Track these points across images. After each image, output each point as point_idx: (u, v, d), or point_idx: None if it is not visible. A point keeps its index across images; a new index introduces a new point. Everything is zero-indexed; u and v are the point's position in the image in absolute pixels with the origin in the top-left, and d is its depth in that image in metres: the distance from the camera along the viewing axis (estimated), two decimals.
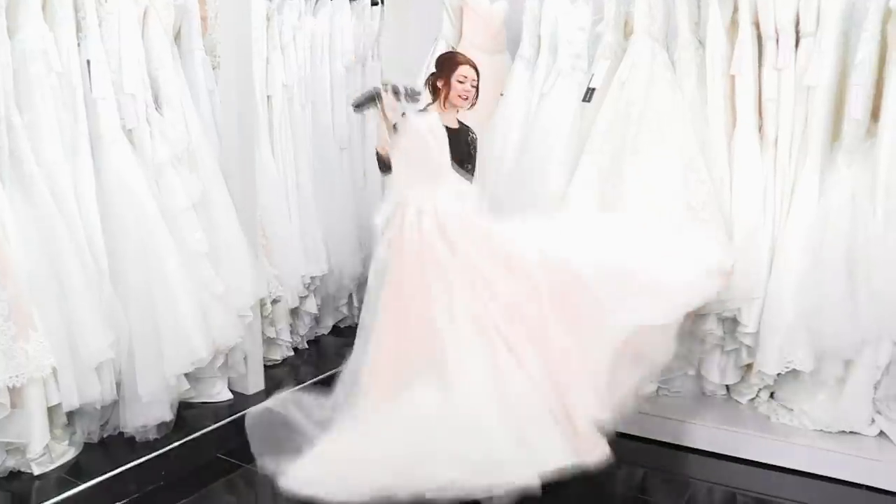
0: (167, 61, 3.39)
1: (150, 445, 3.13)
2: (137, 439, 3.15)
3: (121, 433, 3.19)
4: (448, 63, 3.20)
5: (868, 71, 3.12)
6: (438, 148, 3.02)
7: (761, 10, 3.33)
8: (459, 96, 3.15)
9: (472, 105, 3.22)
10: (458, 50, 3.94)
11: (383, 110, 3.04)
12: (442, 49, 4.04)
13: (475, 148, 3.22)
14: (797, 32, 3.31)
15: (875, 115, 3.16)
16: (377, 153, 3.14)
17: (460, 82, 3.14)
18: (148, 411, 3.14)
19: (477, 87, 3.19)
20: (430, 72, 3.26)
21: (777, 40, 3.33)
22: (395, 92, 3.02)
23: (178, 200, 3.30)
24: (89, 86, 3.10)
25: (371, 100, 3.06)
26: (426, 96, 3.15)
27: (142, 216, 3.14)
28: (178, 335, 3.13)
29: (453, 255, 2.90)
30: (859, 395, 3.13)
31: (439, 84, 3.18)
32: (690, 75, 3.50)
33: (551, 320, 2.79)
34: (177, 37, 3.58)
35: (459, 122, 3.22)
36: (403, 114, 3.02)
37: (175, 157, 3.35)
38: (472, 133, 3.25)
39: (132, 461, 3.01)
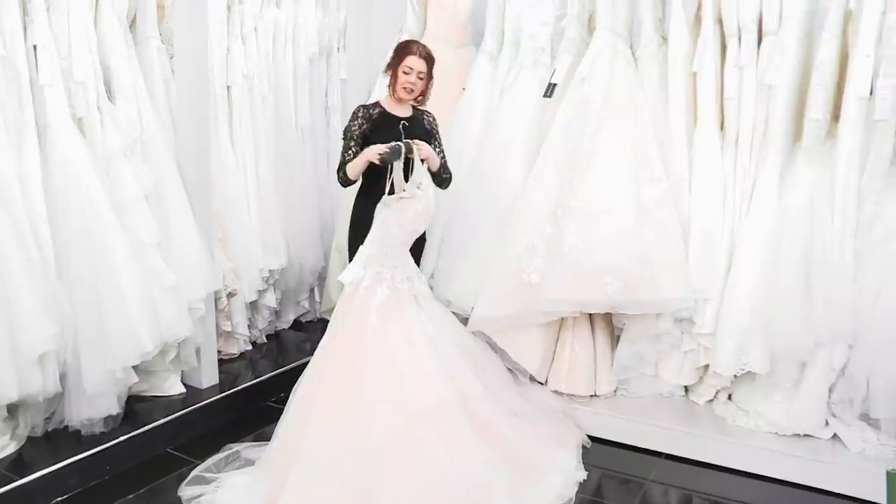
0: (120, 49, 3.33)
1: (96, 439, 3.08)
2: (83, 433, 3.10)
3: (66, 427, 3.13)
4: (400, 52, 3.13)
5: (829, 71, 3.11)
6: (425, 223, 3.05)
7: (725, 8, 3.31)
8: (403, 88, 3.08)
9: (420, 99, 3.17)
10: (423, 42, 3.89)
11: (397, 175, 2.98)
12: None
13: (436, 129, 3.21)
14: (760, 31, 3.29)
15: (836, 115, 3.14)
16: (345, 172, 3.09)
17: (405, 73, 3.08)
18: (94, 404, 3.08)
19: (426, 80, 3.12)
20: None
21: (739, 38, 3.31)
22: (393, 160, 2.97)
23: (128, 191, 3.24)
24: (36, 72, 3.02)
25: (397, 156, 2.97)
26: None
27: (90, 206, 3.08)
28: (125, 327, 3.08)
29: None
30: (814, 397, 3.11)
31: (389, 72, 3.13)
32: (652, 72, 3.49)
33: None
34: (132, 24, 3.51)
35: (414, 109, 3.18)
36: (405, 188, 2.98)
37: (127, 146, 3.29)
38: (428, 115, 3.22)
39: (76, 455, 2.95)
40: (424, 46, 3.15)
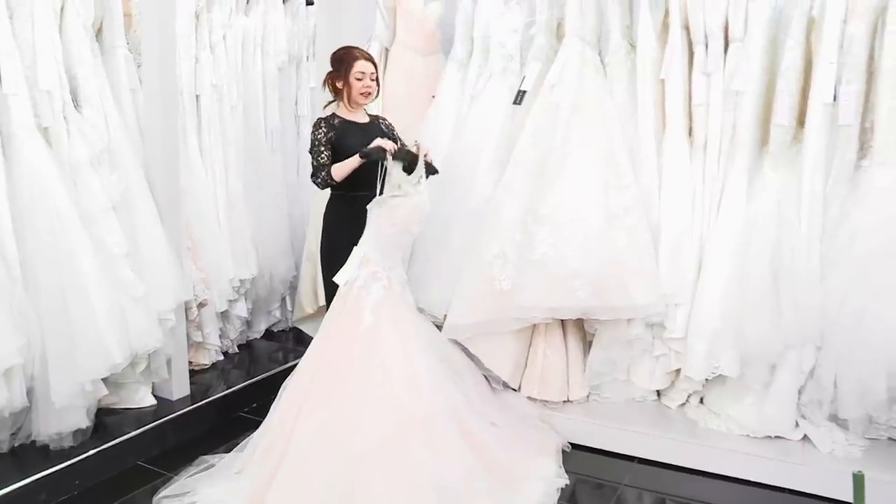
0: (87, 58, 3.29)
1: (64, 453, 3.03)
2: (51, 447, 3.05)
3: (34, 441, 3.07)
4: (344, 60, 3.18)
5: (794, 78, 3.16)
6: (419, 223, 3.05)
7: (691, 15, 3.36)
8: (361, 94, 3.16)
9: (375, 98, 3.24)
10: (392, 51, 3.90)
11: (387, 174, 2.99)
12: (376, 50, 3.99)
13: (394, 131, 3.28)
14: (726, 38, 3.33)
15: (801, 121, 3.19)
16: (329, 176, 3.09)
17: (358, 79, 3.15)
18: (62, 418, 3.03)
19: (377, 79, 3.19)
20: (328, 70, 3.23)
21: (706, 45, 3.36)
22: (401, 160, 3.00)
23: (96, 201, 3.21)
24: None
25: (381, 157, 2.99)
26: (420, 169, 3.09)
27: (56, 217, 3.03)
28: (93, 339, 3.03)
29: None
30: (784, 399, 3.14)
31: (339, 84, 3.18)
32: (621, 79, 3.51)
33: None
34: (98, 33, 3.48)
35: (368, 115, 3.24)
36: (400, 186, 2.99)
37: (94, 156, 3.25)
38: (383, 119, 3.28)
39: (44, 470, 2.89)
40: (362, 49, 3.25)
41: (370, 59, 3.19)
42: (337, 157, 3.12)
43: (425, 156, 3.06)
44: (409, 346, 2.90)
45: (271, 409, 2.97)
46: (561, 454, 3.22)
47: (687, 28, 3.39)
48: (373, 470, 2.61)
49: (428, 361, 2.95)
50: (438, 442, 2.74)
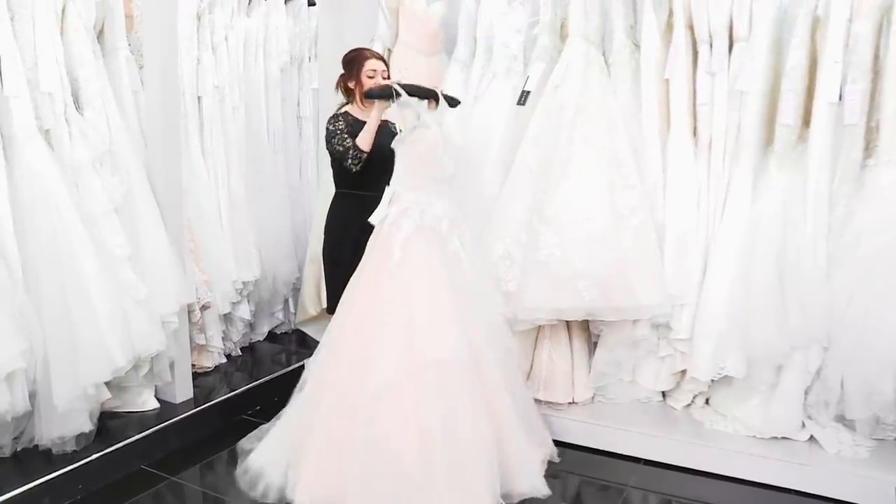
0: (88, 59, 3.27)
1: (67, 458, 3.01)
2: (54, 452, 3.02)
3: (36, 446, 3.05)
4: (355, 61, 3.21)
5: (799, 77, 3.14)
6: (449, 155, 2.97)
7: (695, 15, 3.34)
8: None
9: None
10: (395, 51, 3.88)
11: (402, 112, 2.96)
12: (378, 50, 3.97)
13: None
14: (731, 37, 3.32)
15: (806, 120, 3.17)
16: (357, 148, 3.06)
17: (370, 77, 3.17)
18: (65, 422, 3.01)
19: (388, 79, 3.18)
20: (341, 72, 3.24)
21: (711, 45, 3.35)
22: (409, 94, 2.93)
23: (98, 203, 3.18)
24: (0, 83, 2.96)
25: (388, 95, 2.94)
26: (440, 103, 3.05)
27: (58, 219, 3.01)
28: (96, 343, 3.00)
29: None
30: (790, 400, 3.13)
31: (351, 84, 3.20)
32: (625, 79, 3.50)
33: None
34: (100, 34, 3.46)
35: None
36: (419, 116, 2.94)
37: (96, 158, 3.23)
38: (391, 123, 3.24)
39: (47, 475, 2.87)
40: (372, 49, 3.29)
41: (381, 58, 3.21)
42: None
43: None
44: (439, 286, 2.85)
45: (315, 352, 3.02)
46: (545, 464, 3.15)
47: (691, 28, 3.37)
48: (386, 409, 2.63)
49: (460, 304, 2.88)
50: (454, 391, 2.72)
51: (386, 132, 3.12)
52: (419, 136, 2.92)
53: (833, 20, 3.04)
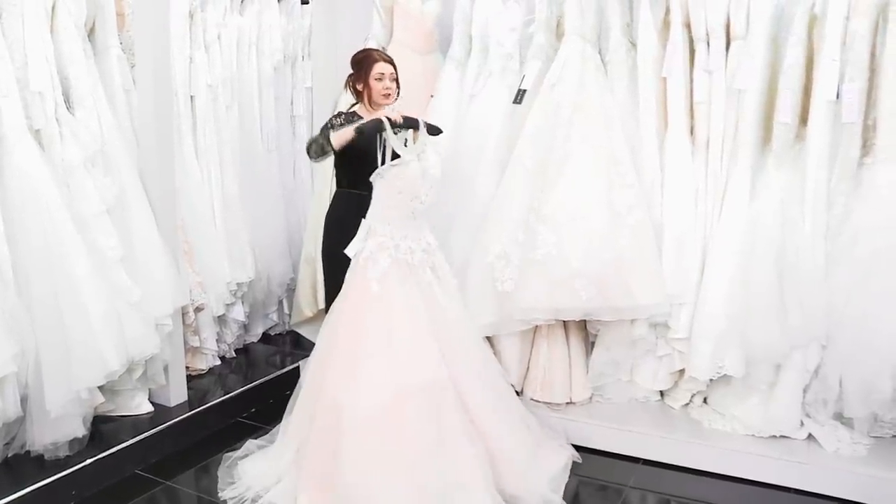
0: (79, 58, 3.22)
1: (60, 463, 2.97)
2: (46, 457, 2.98)
3: (28, 452, 3.00)
4: (363, 63, 3.19)
5: (796, 75, 3.14)
6: (427, 190, 3.00)
7: (692, 13, 3.33)
8: (381, 94, 3.15)
9: (396, 99, 3.21)
10: (389, 49, 3.85)
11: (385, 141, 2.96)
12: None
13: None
14: (728, 35, 3.31)
15: (804, 119, 3.17)
16: (328, 141, 3.04)
17: (378, 80, 3.15)
18: (58, 427, 2.96)
19: (397, 81, 3.18)
20: (350, 73, 3.22)
21: (708, 43, 3.34)
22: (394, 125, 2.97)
23: (90, 204, 3.14)
24: None
25: (380, 129, 2.95)
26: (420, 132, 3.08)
27: (49, 221, 2.96)
28: (89, 346, 2.96)
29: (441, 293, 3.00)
30: (789, 399, 3.13)
31: (359, 87, 3.18)
32: (622, 77, 3.49)
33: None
34: (91, 33, 3.41)
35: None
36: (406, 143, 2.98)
37: (88, 158, 3.18)
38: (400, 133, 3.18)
39: (39, 481, 2.83)
40: (381, 51, 3.26)
41: (390, 60, 3.18)
42: (351, 155, 3.06)
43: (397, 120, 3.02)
44: (417, 312, 2.89)
45: (302, 374, 3.09)
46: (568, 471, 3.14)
47: (688, 26, 3.36)
48: (373, 435, 2.65)
49: (439, 329, 2.92)
50: (438, 415, 2.75)
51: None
52: (398, 173, 2.94)
53: (830, 18, 3.04)
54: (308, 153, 3.15)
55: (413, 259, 2.96)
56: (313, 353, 3.03)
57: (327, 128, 3.11)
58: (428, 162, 3.03)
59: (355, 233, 2.97)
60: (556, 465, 3.09)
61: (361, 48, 3.34)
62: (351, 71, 3.24)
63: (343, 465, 2.65)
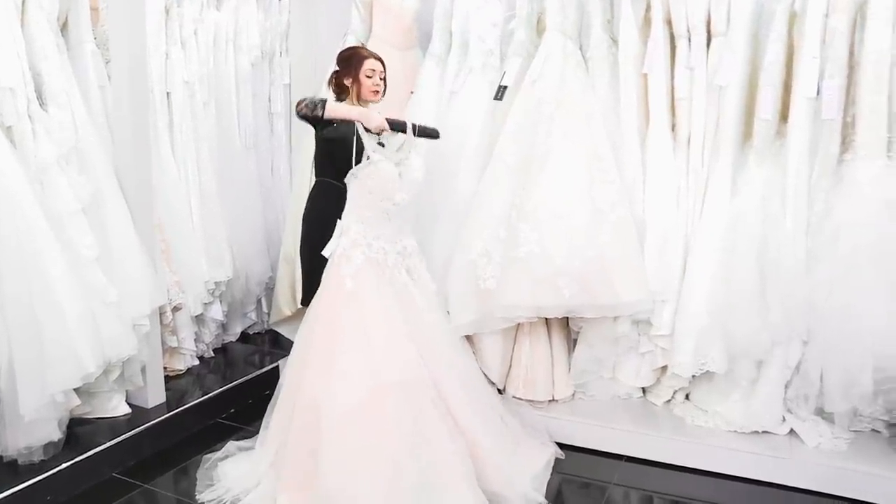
0: (51, 53, 3.15)
1: (35, 468, 2.90)
2: (20, 462, 2.91)
3: (1, 457, 2.94)
4: (354, 59, 3.15)
5: (777, 71, 3.16)
6: (402, 192, 2.99)
7: (673, 9, 3.34)
8: (371, 91, 3.13)
9: (383, 97, 3.19)
10: (368, 45, 3.82)
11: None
12: (352, 45, 3.91)
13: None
14: (709, 32, 3.32)
15: (784, 115, 3.19)
16: (322, 104, 2.98)
17: (369, 77, 3.12)
18: (32, 431, 2.90)
19: (385, 79, 3.16)
20: (334, 69, 3.18)
21: (689, 39, 3.34)
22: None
23: (64, 203, 3.07)
24: None
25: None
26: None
27: (22, 220, 2.89)
28: (64, 348, 2.89)
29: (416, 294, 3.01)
30: (771, 394, 3.15)
31: (347, 82, 3.14)
32: (603, 73, 3.48)
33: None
34: (64, 27, 3.33)
35: None
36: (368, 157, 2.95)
37: (61, 156, 3.11)
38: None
39: (13, 487, 2.76)
40: (369, 49, 3.25)
41: (379, 58, 3.16)
42: (334, 148, 3.03)
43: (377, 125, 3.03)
44: (392, 311, 2.90)
45: (279, 383, 3.07)
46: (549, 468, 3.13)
47: (669, 22, 3.37)
48: (351, 432, 2.65)
49: (416, 329, 2.93)
50: (416, 412, 2.74)
51: (375, 136, 3.08)
52: (369, 173, 2.93)
53: (810, 15, 3.06)
54: (297, 106, 3.02)
55: (387, 260, 2.97)
56: (292, 352, 3.01)
57: (324, 100, 3.05)
58: (411, 165, 3.02)
59: (335, 225, 2.96)
60: (539, 463, 3.08)
61: (348, 46, 3.29)
62: (336, 68, 3.19)
63: (322, 463, 2.63)
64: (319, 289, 2.97)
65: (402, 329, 2.88)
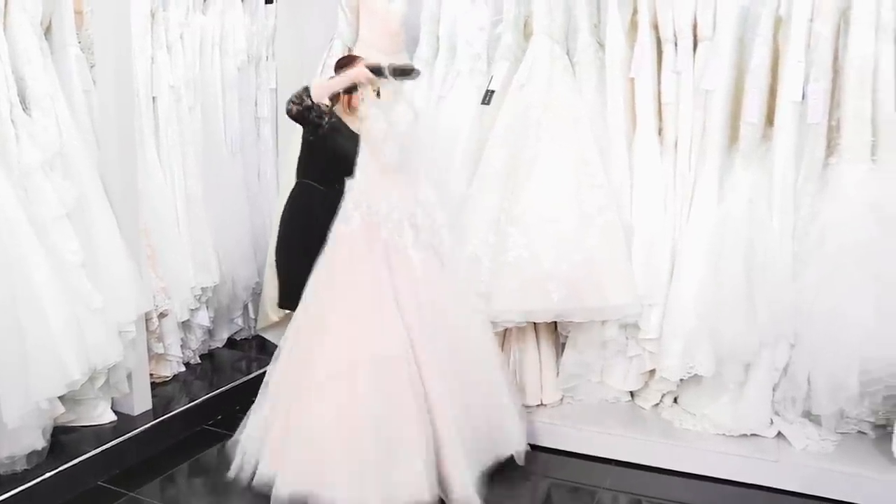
0: (35, 57, 3.12)
1: (18, 478, 2.85)
2: (2, 472, 2.87)
3: None
4: (353, 66, 3.12)
5: (763, 75, 3.17)
6: (390, 144, 2.94)
7: (660, 13, 3.35)
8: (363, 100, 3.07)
9: None
10: (355, 50, 3.81)
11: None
12: (338, 49, 3.91)
13: None
14: (695, 36, 3.33)
15: (770, 119, 3.20)
16: (307, 93, 3.01)
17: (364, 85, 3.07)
18: (15, 440, 2.85)
19: (378, 92, 3.10)
20: (328, 77, 3.18)
21: (676, 43, 3.36)
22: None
23: (49, 208, 3.04)
24: None
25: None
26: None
27: (6, 226, 2.85)
28: (49, 355, 2.86)
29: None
30: (758, 397, 3.16)
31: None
32: (590, 77, 3.49)
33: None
34: (47, 31, 3.31)
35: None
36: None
37: (46, 161, 3.08)
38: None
39: None
40: (367, 59, 3.21)
41: None
42: (322, 152, 3.04)
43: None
44: (382, 283, 2.87)
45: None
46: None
47: (656, 26, 3.38)
48: (321, 404, 2.72)
49: (406, 303, 2.90)
50: (388, 384, 2.75)
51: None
52: (366, 126, 2.94)
53: (795, 20, 3.09)
54: (287, 108, 3.09)
55: (388, 220, 2.92)
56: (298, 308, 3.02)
57: (305, 87, 3.07)
58: (396, 116, 2.97)
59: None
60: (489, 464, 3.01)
61: (344, 54, 3.32)
62: (333, 75, 3.21)
63: (291, 434, 2.70)
64: (327, 245, 2.95)
65: (391, 308, 2.85)
